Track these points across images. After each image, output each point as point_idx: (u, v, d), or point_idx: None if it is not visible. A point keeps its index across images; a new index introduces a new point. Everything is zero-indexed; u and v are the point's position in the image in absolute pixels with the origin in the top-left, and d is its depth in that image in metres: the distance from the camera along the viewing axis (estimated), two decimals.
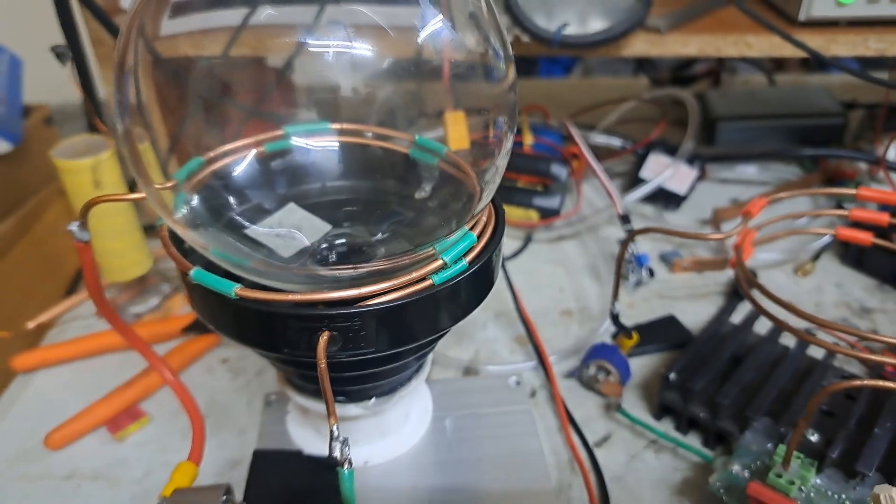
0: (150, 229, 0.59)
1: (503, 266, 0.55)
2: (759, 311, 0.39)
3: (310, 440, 0.36)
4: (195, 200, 0.31)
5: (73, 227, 0.30)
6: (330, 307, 0.25)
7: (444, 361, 0.54)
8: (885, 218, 0.46)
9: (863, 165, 0.75)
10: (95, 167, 0.51)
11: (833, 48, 0.60)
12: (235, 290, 0.26)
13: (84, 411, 0.48)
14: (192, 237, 0.28)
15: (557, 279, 0.66)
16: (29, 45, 1.08)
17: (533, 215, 0.71)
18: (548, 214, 0.71)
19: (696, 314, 0.60)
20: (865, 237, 0.47)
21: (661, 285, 0.64)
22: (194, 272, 0.27)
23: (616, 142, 0.77)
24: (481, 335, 0.58)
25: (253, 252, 0.30)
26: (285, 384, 0.34)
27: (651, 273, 0.64)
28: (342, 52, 0.31)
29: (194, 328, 0.57)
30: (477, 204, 0.30)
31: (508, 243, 0.70)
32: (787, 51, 0.58)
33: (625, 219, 0.65)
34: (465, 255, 0.28)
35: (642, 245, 0.66)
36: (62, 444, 0.47)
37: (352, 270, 0.27)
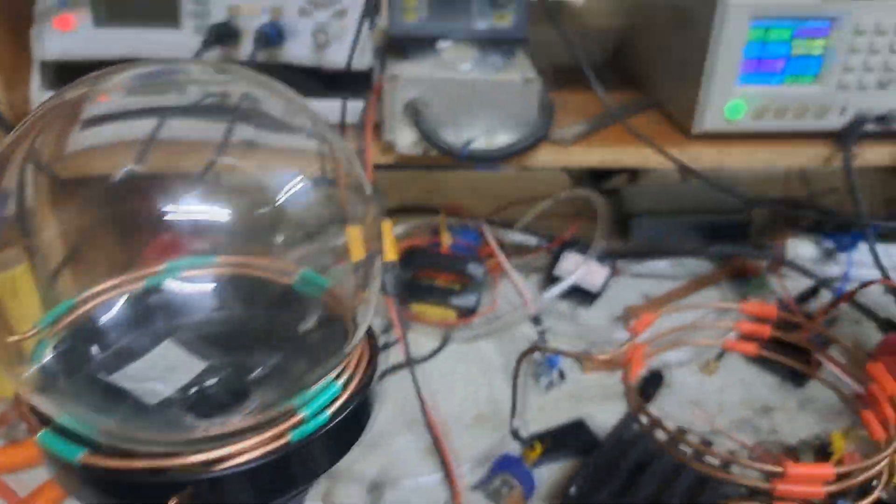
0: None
1: (413, 373, 0.55)
2: (645, 431, 0.40)
3: None
4: (52, 352, 0.31)
5: None
6: (180, 473, 0.25)
7: (348, 475, 0.53)
8: (766, 331, 0.48)
9: (764, 262, 0.79)
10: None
11: (726, 160, 0.64)
12: (79, 457, 0.25)
13: None
14: (40, 402, 0.27)
15: (473, 381, 0.66)
16: None
17: (450, 314, 0.71)
18: (465, 313, 0.71)
19: (607, 414, 0.61)
20: (751, 348, 0.50)
21: (574, 385, 0.65)
22: (41, 435, 0.26)
23: (532, 240, 0.79)
24: (391, 445, 0.57)
25: (114, 407, 0.29)
26: None
27: (562, 375, 0.65)
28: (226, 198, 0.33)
29: None
30: (350, 342, 0.30)
31: (425, 343, 0.70)
32: (685, 161, 0.62)
33: (536, 320, 0.66)
34: (328, 406, 0.28)
35: (556, 343, 0.67)
36: None
37: (207, 432, 0.26)
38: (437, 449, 0.53)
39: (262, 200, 0.34)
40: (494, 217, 0.82)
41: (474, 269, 0.73)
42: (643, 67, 0.80)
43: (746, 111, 0.62)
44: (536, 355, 0.65)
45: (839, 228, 0.82)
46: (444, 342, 0.71)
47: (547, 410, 0.62)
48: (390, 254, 0.61)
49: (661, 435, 0.44)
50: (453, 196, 0.90)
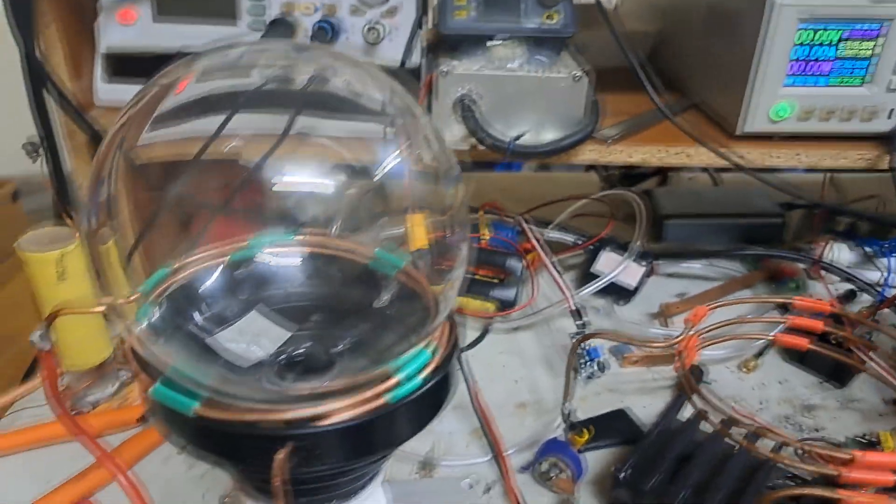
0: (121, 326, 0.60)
1: (460, 358, 0.57)
2: (702, 416, 0.41)
3: None
4: (157, 313, 0.32)
5: (35, 336, 0.31)
6: (288, 426, 0.26)
7: (400, 455, 0.54)
8: (819, 325, 0.49)
9: (802, 265, 0.80)
10: (60, 259, 0.52)
11: (769, 160, 0.65)
12: (194, 409, 0.27)
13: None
14: (152, 352, 0.29)
15: (513, 370, 0.67)
16: None
17: (490, 306, 0.73)
18: (504, 306, 0.73)
19: (645, 408, 0.62)
20: (802, 342, 0.50)
21: (612, 379, 0.66)
22: (154, 389, 0.28)
23: (569, 238, 0.80)
24: (438, 428, 0.59)
25: (213, 365, 0.31)
26: (240, 490, 0.34)
27: (602, 367, 0.66)
28: (304, 179, 0.34)
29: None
30: (434, 320, 0.32)
31: (466, 333, 0.72)
32: (724, 162, 0.63)
33: (577, 314, 0.67)
34: (421, 371, 0.29)
35: (594, 339, 0.68)
36: None
37: (311, 388, 0.28)
38: (485, 431, 0.55)
39: (344, 180, 0.36)
40: (528, 217, 0.83)
41: (513, 263, 0.74)
42: (681, 69, 0.81)
43: (792, 113, 0.63)
44: (578, 348, 0.66)
45: (875, 234, 0.83)
46: (485, 333, 0.72)
47: (588, 401, 0.63)
48: (422, 241, 0.62)
49: (713, 421, 0.44)
50: (484, 197, 0.91)
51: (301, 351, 0.32)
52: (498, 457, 0.53)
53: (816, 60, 0.61)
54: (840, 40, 0.60)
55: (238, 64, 0.39)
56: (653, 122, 0.67)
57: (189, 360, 0.31)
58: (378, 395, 0.28)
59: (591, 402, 0.63)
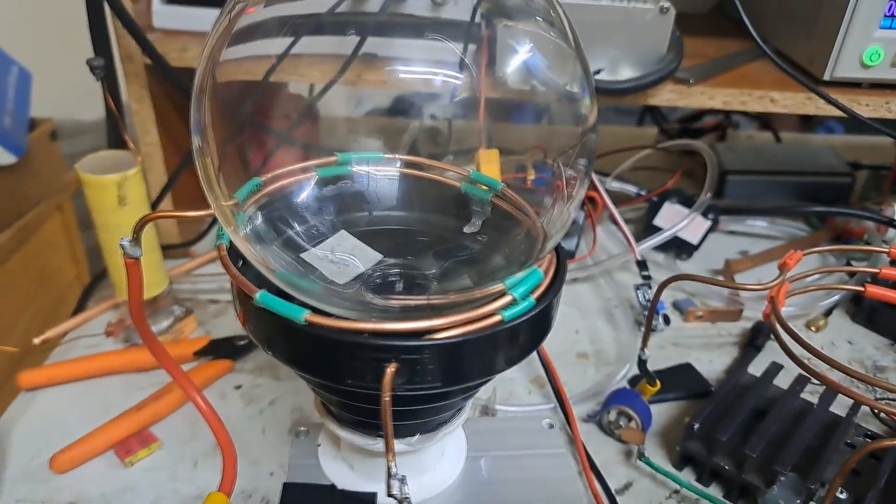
0: (167, 249, 0.58)
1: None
2: (799, 365, 0.39)
3: (343, 475, 0.35)
4: (258, 218, 0.31)
5: (125, 241, 0.29)
6: (400, 339, 0.24)
7: None
8: None
9: (870, 224, 0.76)
10: (121, 183, 0.50)
11: (855, 108, 0.62)
12: (305, 315, 0.25)
13: (92, 433, 0.47)
14: (257, 255, 0.27)
15: (572, 321, 0.65)
16: (36, 59, 1.08)
17: None
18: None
19: (710, 363, 0.60)
20: (894, 295, 0.48)
21: (676, 333, 0.64)
22: (260, 295, 0.26)
23: (631, 189, 0.77)
24: (498, 374, 0.57)
25: (311, 276, 0.29)
26: (324, 415, 0.33)
27: (667, 320, 0.64)
28: (430, 79, 0.31)
29: (207, 352, 0.55)
30: (543, 247, 0.30)
31: None
32: (811, 108, 0.60)
33: (641, 265, 0.65)
34: (532, 291, 0.27)
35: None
36: (68, 467, 0.45)
37: (421, 301, 0.26)
38: (550, 378, 0.53)
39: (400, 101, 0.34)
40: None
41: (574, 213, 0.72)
42: (760, 14, 0.77)
43: (885, 57, 0.59)
44: (642, 300, 0.64)
45: None
46: None
47: (652, 354, 0.61)
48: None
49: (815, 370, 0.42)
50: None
51: (396, 270, 0.30)
52: (563, 404, 0.51)
53: None
54: None
55: None
56: (733, 65, 0.64)
57: (289, 266, 0.29)
58: (493, 313, 0.26)
59: (656, 355, 0.61)
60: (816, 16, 0.61)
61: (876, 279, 0.51)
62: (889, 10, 0.57)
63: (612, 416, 0.51)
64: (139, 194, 0.52)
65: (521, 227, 0.32)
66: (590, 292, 0.70)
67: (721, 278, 0.70)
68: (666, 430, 0.53)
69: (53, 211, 1.11)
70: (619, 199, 0.79)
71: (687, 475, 0.49)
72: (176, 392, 0.49)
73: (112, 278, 0.56)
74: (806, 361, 0.57)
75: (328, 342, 0.25)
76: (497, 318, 0.26)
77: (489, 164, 0.56)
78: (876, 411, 0.53)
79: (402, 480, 0.24)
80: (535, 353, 0.55)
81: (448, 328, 0.25)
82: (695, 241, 0.74)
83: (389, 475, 0.24)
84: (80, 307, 0.63)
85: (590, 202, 0.74)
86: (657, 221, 0.74)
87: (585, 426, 0.53)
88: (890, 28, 0.58)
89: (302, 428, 0.39)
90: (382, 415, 0.24)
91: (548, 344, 0.61)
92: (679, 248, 0.74)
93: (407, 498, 0.24)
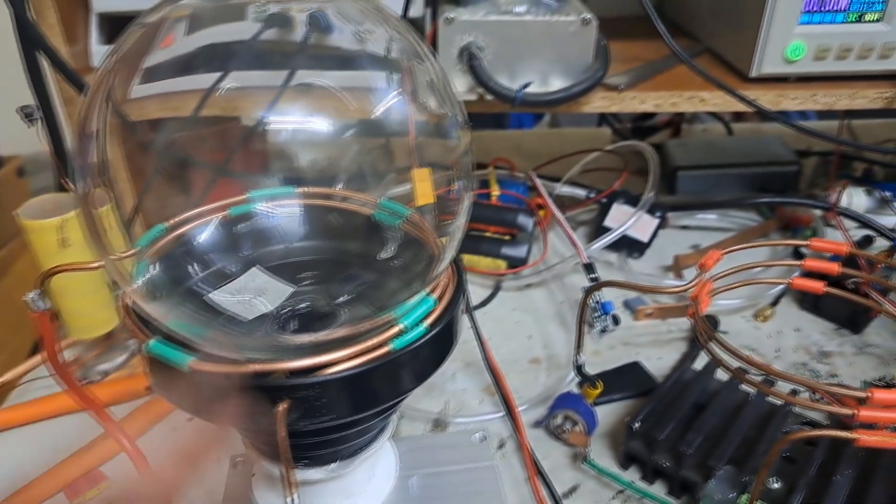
0: (117, 285, 0.59)
1: (472, 316, 0.56)
2: (717, 362, 0.41)
3: (275, 502, 0.36)
4: (155, 269, 0.31)
5: (30, 296, 0.30)
6: (288, 377, 0.25)
7: (412, 415, 0.54)
8: (835, 268, 0.48)
9: (818, 212, 0.78)
10: (62, 226, 0.51)
11: (783, 103, 0.63)
12: (189, 362, 0.26)
13: (42, 477, 0.47)
14: (150, 308, 0.28)
15: (525, 327, 0.67)
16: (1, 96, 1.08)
17: (501, 264, 0.72)
18: (515, 263, 0.72)
19: (660, 360, 0.61)
20: (818, 285, 0.49)
21: (626, 332, 0.65)
22: (150, 344, 0.27)
23: (580, 192, 0.79)
24: (450, 386, 0.58)
25: (213, 320, 0.30)
26: (249, 447, 0.34)
27: (616, 321, 0.65)
28: (302, 128, 0.33)
29: None
30: (437, 266, 0.31)
31: (477, 292, 0.71)
32: (740, 106, 0.61)
33: (589, 268, 0.66)
34: (424, 318, 0.28)
35: (607, 293, 0.67)
36: None
37: (312, 338, 0.27)
38: (498, 387, 0.54)
39: (346, 132, 0.35)
40: (539, 172, 0.82)
41: (524, 220, 0.73)
42: (692, 14, 0.78)
43: (807, 52, 0.60)
44: (591, 301, 0.65)
45: (891, 178, 0.81)
46: (496, 291, 0.71)
47: (601, 354, 0.62)
48: (429, 197, 0.60)
49: (730, 366, 0.44)
50: (496, 155, 0.90)
51: (304, 304, 0.31)
52: (511, 412, 0.53)
53: None
54: None
55: (229, 4, 0.37)
56: (664, 67, 0.65)
57: (187, 316, 0.30)
58: (382, 344, 0.27)
59: (606, 355, 0.62)
60: (741, 15, 0.63)
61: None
62: (807, 6, 0.59)
63: (559, 420, 0.52)
64: (81, 236, 0.53)
65: (425, 249, 0.33)
66: (543, 297, 0.71)
67: (648, 283, 0.71)
68: (613, 430, 0.54)
69: (24, 249, 1.11)
70: (572, 202, 0.81)
71: (632, 474, 0.50)
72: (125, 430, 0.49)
73: (63, 318, 0.57)
74: (749, 354, 0.58)
75: (216, 387, 0.26)
76: (387, 348, 0.27)
77: (422, 182, 0.57)
78: (815, 397, 0.54)
79: None
80: (484, 363, 0.56)
81: (338, 362, 0.26)
82: (645, 239, 0.75)
83: None
84: (36, 348, 0.64)
85: (539, 208, 0.75)
86: (607, 222, 0.75)
87: (536, 432, 0.54)
88: (809, 24, 0.60)
89: (238, 458, 0.40)
90: (281, 451, 0.25)
91: (501, 351, 0.62)
92: (631, 246, 0.76)
93: None
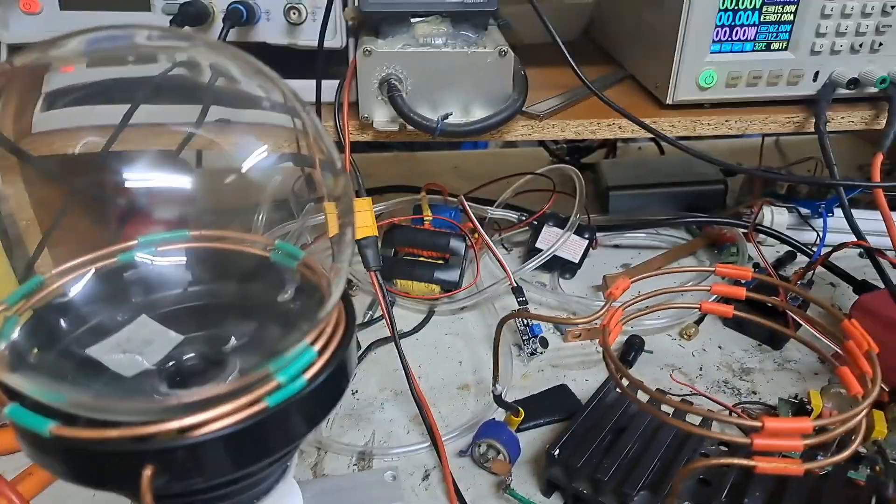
0: None
1: (398, 346, 0.56)
2: (623, 393, 0.41)
3: None
4: (17, 331, 0.30)
5: None
6: (156, 440, 0.25)
7: (338, 448, 0.54)
8: (741, 292, 0.50)
9: (741, 230, 0.80)
10: None
11: (698, 129, 0.65)
12: (50, 427, 0.25)
13: None
14: (9, 378, 0.27)
15: (457, 352, 0.67)
16: None
17: (434, 288, 0.72)
18: (448, 287, 0.72)
19: (588, 381, 0.63)
20: (727, 309, 0.51)
21: (555, 354, 0.66)
22: (9, 409, 0.26)
23: (513, 215, 0.80)
24: (378, 416, 0.58)
25: (89, 382, 0.29)
26: None
27: (544, 343, 0.66)
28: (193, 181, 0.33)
29: None
30: (322, 310, 0.31)
31: (411, 317, 0.71)
32: (655, 130, 0.63)
33: (518, 291, 0.67)
34: (304, 371, 0.28)
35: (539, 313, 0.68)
36: None
37: (188, 396, 0.27)
38: (424, 417, 0.54)
39: (232, 172, 0.35)
40: (475, 195, 0.83)
41: (456, 244, 0.74)
42: (616, 40, 0.80)
43: (719, 80, 0.63)
44: (519, 325, 0.66)
45: (813, 197, 0.84)
46: (429, 316, 0.71)
47: (530, 378, 0.63)
48: (370, 229, 0.60)
49: (641, 396, 0.45)
50: (434, 176, 0.90)
51: (191, 355, 0.31)
52: (435, 443, 0.53)
53: (741, 26, 0.60)
54: (763, 4, 0.60)
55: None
56: (584, 95, 0.67)
57: (61, 377, 0.29)
58: (258, 399, 0.26)
59: (535, 378, 0.63)
60: (658, 44, 0.65)
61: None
62: (717, 36, 0.61)
63: (482, 448, 0.52)
64: None
65: (318, 291, 0.33)
66: (475, 320, 0.71)
67: (578, 303, 0.72)
68: (537, 456, 0.54)
69: None
70: (507, 224, 0.82)
71: (555, 501, 0.51)
72: (38, 474, 0.48)
73: None
74: (672, 373, 0.60)
75: (78, 452, 0.25)
76: (262, 405, 0.26)
77: (363, 213, 0.57)
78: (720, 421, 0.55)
79: None
80: (410, 392, 0.57)
81: (209, 423, 0.25)
82: (576, 260, 0.76)
83: None
84: None
85: (472, 232, 0.76)
86: (538, 244, 0.76)
87: (462, 460, 0.54)
88: (720, 52, 0.62)
89: None
90: None
91: (431, 378, 0.63)
92: (563, 267, 0.77)
93: None
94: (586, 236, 0.76)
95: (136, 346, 0.30)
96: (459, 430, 0.56)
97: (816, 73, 0.63)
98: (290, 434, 0.28)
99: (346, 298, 0.33)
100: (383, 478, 0.42)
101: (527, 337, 0.65)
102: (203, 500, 0.29)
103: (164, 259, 0.34)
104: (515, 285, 0.68)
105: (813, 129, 0.63)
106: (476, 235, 0.76)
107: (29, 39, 0.61)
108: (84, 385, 0.29)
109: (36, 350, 0.30)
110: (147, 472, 0.24)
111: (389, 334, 0.58)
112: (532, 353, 0.65)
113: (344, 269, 0.32)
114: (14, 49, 0.62)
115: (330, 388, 0.29)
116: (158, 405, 0.27)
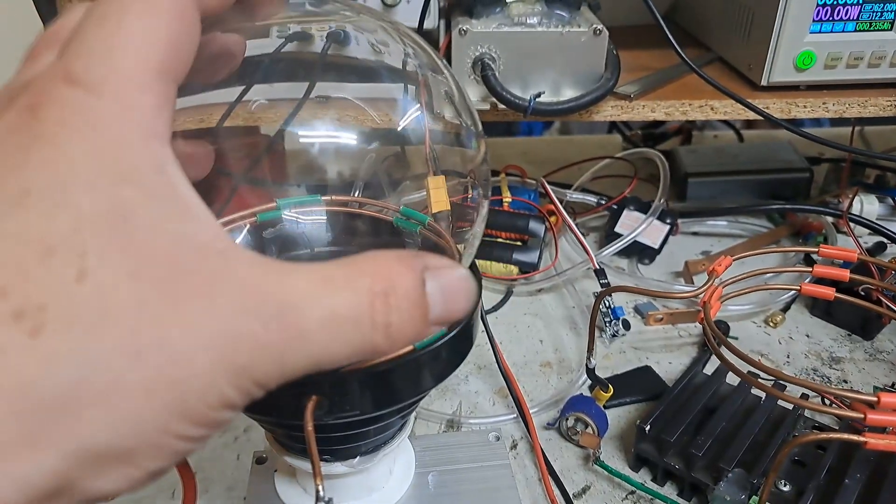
0: None
1: (484, 320, 0.57)
2: (727, 366, 0.41)
3: (297, 498, 0.37)
4: None
5: None
6: (317, 373, 0.26)
7: (427, 416, 0.55)
8: (845, 274, 0.49)
9: (829, 218, 0.78)
10: None
11: (794, 111, 0.64)
12: None
13: None
14: None
15: (537, 331, 0.67)
16: None
17: (513, 269, 0.73)
18: (527, 268, 0.73)
19: (670, 365, 0.62)
20: (828, 292, 0.50)
21: (636, 337, 0.66)
22: None
23: (591, 199, 0.80)
24: (464, 388, 0.59)
25: None
26: (273, 443, 0.35)
27: (626, 325, 0.66)
28: (326, 142, 0.34)
29: None
30: None
31: (489, 296, 0.72)
32: (750, 114, 0.62)
33: (600, 273, 0.67)
34: None
35: (617, 298, 0.68)
36: None
37: None
38: (510, 390, 0.55)
39: (366, 142, 0.36)
40: (550, 179, 0.83)
41: (535, 226, 0.74)
42: (703, 23, 0.79)
43: (818, 60, 0.61)
44: (602, 307, 0.66)
45: None
46: (507, 296, 0.72)
47: (612, 359, 0.63)
48: (443, 203, 0.62)
49: (741, 371, 0.44)
50: (505, 161, 0.91)
51: None
52: (523, 414, 0.54)
53: (843, 4, 0.59)
54: None
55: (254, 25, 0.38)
56: (674, 76, 0.66)
57: None
58: None
59: (616, 360, 0.63)
60: (750, 24, 0.64)
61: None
62: (817, 15, 0.60)
63: (570, 422, 0.53)
64: None
65: (445, 254, 0.34)
66: (554, 302, 0.72)
67: (658, 288, 0.72)
68: (624, 432, 0.55)
69: None
70: (583, 209, 0.82)
71: (643, 476, 0.51)
72: None
73: None
74: (759, 359, 0.59)
75: None
76: (409, 347, 0.28)
77: (437, 190, 0.58)
78: (800, 411, 0.54)
79: (329, 502, 0.26)
80: (497, 366, 0.57)
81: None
82: (656, 246, 0.76)
83: (317, 498, 0.26)
84: None
85: (551, 214, 0.76)
86: (618, 229, 0.76)
87: (548, 433, 0.55)
88: (819, 32, 0.61)
89: (262, 454, 0.41)
90: (308, 444, 0.26)
91: (512, 355, 0.63)
92: (641, 252, 0.76)
93: None
94: (668, 222, 0.76)
95: None
96: (543, 405, 0.57)
97: None
98: (429, 378, 0.30)
99: (472, 266, 0.34)
100: (487, 437, 0.43)
101: (609, 319, 0.66)
102: (342, 438, 0.30)
103: (304, 218, 0.36)
104: (598, 267, 0.68)
105: None
106: (554, 218, 0.77)
107: None
108: None
109: None
110: (311, 403, 0.26)
111: None
112: (614, 335, 0.65)
113: (478, 234, 0.33)
114: None
115: (463, 340, 0.30)
116: None
